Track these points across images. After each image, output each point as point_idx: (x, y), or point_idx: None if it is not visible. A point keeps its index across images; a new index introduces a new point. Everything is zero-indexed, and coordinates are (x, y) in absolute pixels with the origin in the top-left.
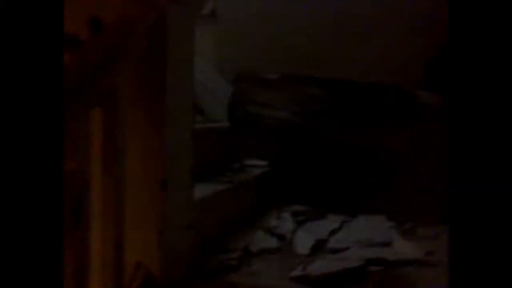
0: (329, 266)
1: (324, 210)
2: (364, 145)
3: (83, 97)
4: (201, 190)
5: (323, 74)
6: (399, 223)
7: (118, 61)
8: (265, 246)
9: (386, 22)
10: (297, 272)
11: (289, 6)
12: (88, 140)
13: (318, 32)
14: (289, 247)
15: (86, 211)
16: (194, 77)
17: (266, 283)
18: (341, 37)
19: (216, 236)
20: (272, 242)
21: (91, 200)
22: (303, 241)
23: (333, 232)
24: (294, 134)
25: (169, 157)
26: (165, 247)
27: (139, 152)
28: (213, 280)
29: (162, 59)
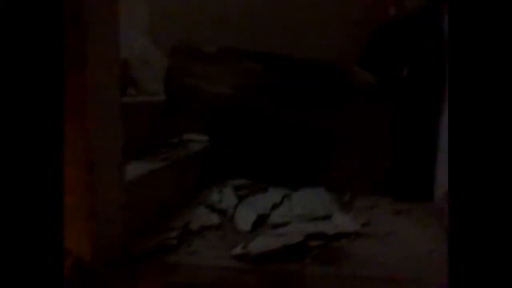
0: (270, 243)
1: (265, 184)
2: (303, 120)
3: None
4: (136, 169)
5: (261, 49)
6: (339, 195)
7: None
8: (206, 223)
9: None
10: (237, 250)
11: None
12: None
13: (259, 6)
14: (230, 224)
15: None
16: (127, 50)
17: (206, 262)
18: (282, 11)
19: (153, 216)
20: (214, 219)
21: None
22: (245, 217)
23: (275, 206)
24: (233, 109)
25: (95, 137)
26: (96, 230)
27: (64, 134)
28: (150, 261)
29: (79, 32)
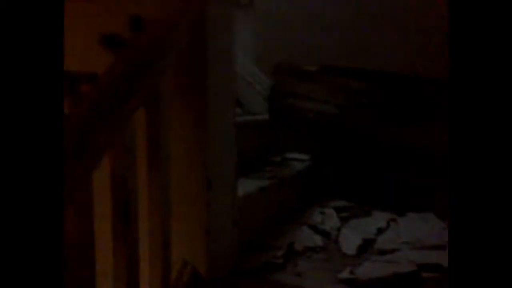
0: (379, 270)
1: (368, 207)
2: (407, 142)
3: (129, 98)
4: (244, 186)
5: (362, 66)
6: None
7: (162, 58)
8: (310, 244)
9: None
10: (344, 275)
11: None
12: (134, 142)
13: (358, 22)
14: (334, 246)
15: (134, 213)
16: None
17: (312, 284)
18: (380, 28)
19: (260, 233)
20: (317, 240)
21: (138, 202)
22: (350, 240)
23: (380, 231)
24: (335, 128)
25: (213, 155)
26: (211, 245)
27: (183, 151)
28: (258, 278)
29: (203, 53)
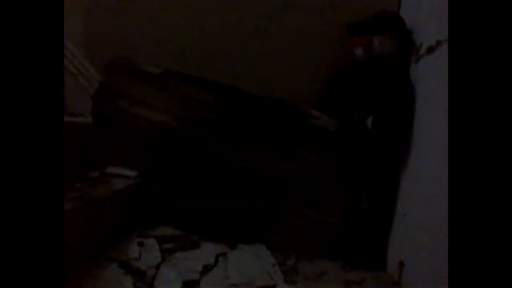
0: None
1: (198, 236)
2: (251, 165)
3: None
4: None
5: (214, 78)
6: (282, 256)
7: None
8: None
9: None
10: None
11: None
12: None
13: (216, 30)
14: None
15: None
16: None
17: None
18: (240, 40)
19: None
20: (126, 284)
21: None
22: (167, 284)
23: (207, 269)
24: (173, 143)
25: None
26: None
27: None
28: None
29: None
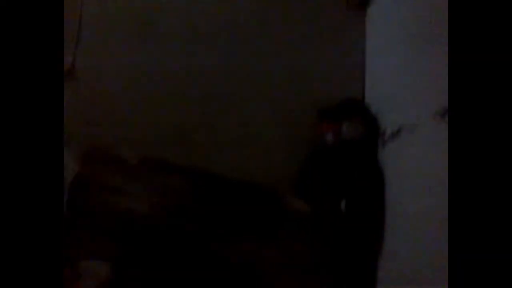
0: None
1: None
2: (230, 254)
3: None
4: None
5: (191, 163)
6: None
7: None
8: None
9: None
10: None
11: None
12: None
13: (194, 112)
14: None
15: None
16: None
17: None
18: (219, 123)
19: None
20: None
21: None
22: None
23: None
24: (149, 233)
25: None
26: None
27: None
28: None
29: None
